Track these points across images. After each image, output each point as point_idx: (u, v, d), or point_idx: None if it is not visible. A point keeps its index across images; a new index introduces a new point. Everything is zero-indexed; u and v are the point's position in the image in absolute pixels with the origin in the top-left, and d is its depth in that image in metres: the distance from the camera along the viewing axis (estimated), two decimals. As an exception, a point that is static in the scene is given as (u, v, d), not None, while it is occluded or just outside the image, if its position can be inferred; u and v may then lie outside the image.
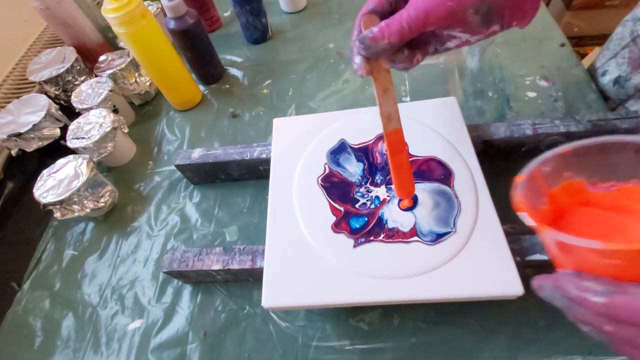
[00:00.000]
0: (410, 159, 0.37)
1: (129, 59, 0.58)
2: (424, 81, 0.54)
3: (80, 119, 0.51)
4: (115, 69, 0.57)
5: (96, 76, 0.57)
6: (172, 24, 0.53)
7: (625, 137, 0.23)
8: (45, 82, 0.58)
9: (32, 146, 0.52)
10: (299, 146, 0.41)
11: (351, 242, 0.33)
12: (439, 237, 0.32)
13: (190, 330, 0.39)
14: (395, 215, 0.34)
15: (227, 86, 0.61)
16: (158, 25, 0.50)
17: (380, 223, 0.34)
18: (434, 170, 0.36)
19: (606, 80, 0.48)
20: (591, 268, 0.20)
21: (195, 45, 0.56)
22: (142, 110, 0.61)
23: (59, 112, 0.54)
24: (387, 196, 0.35)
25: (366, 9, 0.28)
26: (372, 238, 0.33)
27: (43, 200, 0.44)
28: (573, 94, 0.47)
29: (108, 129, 0.49)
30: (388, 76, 0.29)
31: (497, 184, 0.39)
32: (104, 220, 0.49)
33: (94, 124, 0.50)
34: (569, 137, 0.39)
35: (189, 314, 0.40)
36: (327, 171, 0.38)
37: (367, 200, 0.36)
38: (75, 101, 0.54)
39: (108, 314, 0.41)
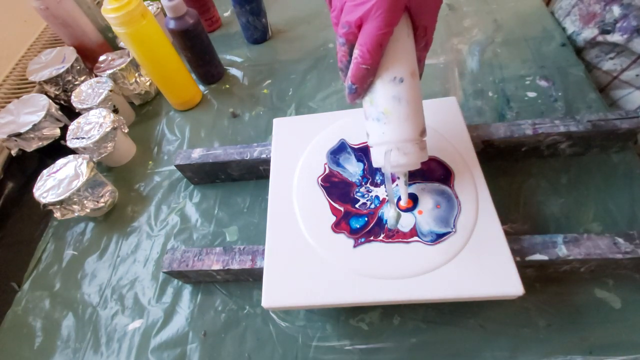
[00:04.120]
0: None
1: (129, 59, 0.58)
2: (424, 81, 0.53)
3: (80, 119, 0.51)
4: (115, 69, 0.56)
5: (96, 76, 0.57)
6: (172, 24, 0.53)
7: None
8: (45, 82, 0.58)
9: (32, 146, 0.52)
10: (299, 146, 0.41)
11: (351, 242, 0.33)
12: (439, 237, 0.32)
13: (190, 330, 0.39)
14: (395, 215, 0.34)
15: (227, 86, 0.61)
16: (158, 25, 0.50)
17: (380, 223, 0.34)
18: (434, 170, 0.36)
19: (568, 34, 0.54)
20: None
21: (195, 45, 0.56)
22: (142, 110, 0.61)
23: (59, 112, 0.54)
24: (387, 196, 0.35)
25: None
26: (372, 238, 0.33)
27: (43, 200, 0.44)
28: (573, 94, 0.47)
29: (108, 129, 0.49)
30: None
31: (497, 184, 0.39)
32: (104, 220, 0.49)
33: (94, 124, 0.50)
34: (569, 137, 0.39)
35: (189, 314, 0.40)
36: (327, 171, 0.38)
37: (367, 200, 0.36)
38: (75, 101, 0.54)
39: (108, 314, 0.41)
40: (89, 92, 0.55)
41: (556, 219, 0.38)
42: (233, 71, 0.63)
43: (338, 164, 0.39)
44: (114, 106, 0.55)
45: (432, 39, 0.30)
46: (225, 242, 0.44)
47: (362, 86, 0.28)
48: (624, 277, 0.34)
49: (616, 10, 0.45)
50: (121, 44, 0.63)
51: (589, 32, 0.49)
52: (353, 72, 0.28)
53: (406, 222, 0.33)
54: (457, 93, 0.51)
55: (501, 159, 0.42)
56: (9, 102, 0.55)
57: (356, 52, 0.27)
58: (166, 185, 0.51)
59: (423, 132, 0.30)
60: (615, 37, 0.45)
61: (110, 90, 0.54)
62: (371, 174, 0.37)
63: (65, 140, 0.50)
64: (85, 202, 0.46)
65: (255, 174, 0.47)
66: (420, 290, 0.30)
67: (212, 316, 0.39)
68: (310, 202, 0.36)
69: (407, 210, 0.34)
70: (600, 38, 0.48)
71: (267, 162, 0.43)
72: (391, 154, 0.29)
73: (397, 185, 0.36)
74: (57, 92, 0.59)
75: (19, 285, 0.46)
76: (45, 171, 0.47)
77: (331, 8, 0.29)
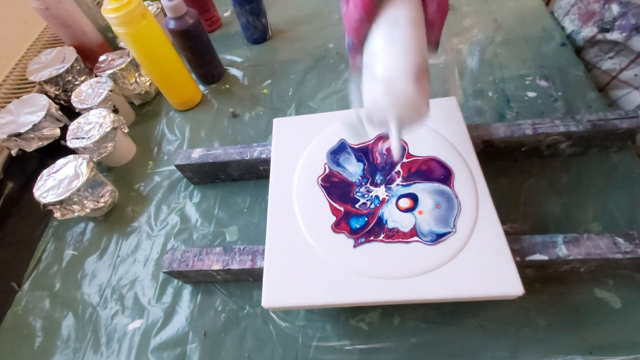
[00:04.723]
0: (410, 159, 0.37)
1: (129, 59, 0.58)
2: (424, 81, 0.54)
3: (80, 119, 0.51)
4: (115, 69, 0.56)
5: (96, 76, 0.57)
6: (172, 24, 0.53)
7: None
8: (45, 82, 0.58)
9: (32, 146, 0.52)
10: (299, 146, 0.41)
11: (351, 242, 0.33)
12: (439, 237, 0.32)
13: (190, 330, 0.39)
14: (395, 216, 0.34)
15: (227, 86, 0.61)
16: (158, 25, 0.50)
17: (380, 223, 0.34)
18: (434, 170, 0.36)
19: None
20: None
21: (195, 45, 0.56)
22: (142, 110, 0.61)
23: (59, 112, 0.54)
24: (387, 196, 0.35)
25: None
26: (372, 238, 0.33)
27: (43, 200, 0.44)
28: (573, 94, 0.47)
29: (108, 129, 0.49)
30: None
31: (497, 184, 0.39)
32: (104, 220, 0.49)
33: (94, 124, 0.50)
34: (569, 137, 0.39)
35: (189, 314, 0.40)
36: (327, 171, 0.38)
37: (367, 200, 0.36)
38: (75, 101, 0.54)
39: (108, 314, 0.41)
40: (89, 92, 0.55)
41: (556, 219, 0.38)
42: (233, 71, 0.63)
43: (338, 164, 0.39)
44: (114, 106, 0.55)
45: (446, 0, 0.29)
46: (225, 242, 0.44)
47: (358, 37, 0.27)
48: (624, 277, 0.34)
49: (615, 8, 0.45)
50: (121, 44, 0.63)
51: (588, 31, 0.49)
52: (347, 22, 0.27)
53: (406, 222, 0.33)
54: (457, 93, 0.51)
55: (501, 159, 0.42)
56: (9, 102, 0.55)
57: (350, 2, 0.26)
58: (166, 185, 0.51)
59: (421, 72, 0.27)
60: (615, 35, 0.45)
61: (110, 90, 0.54)
62: (371, 174, 0.37)
63: (65, 140, 0.50)
64: (85, 202, 0.46)
65: (255, 174, 0.47)
66: (420, 290, 0.30)
67: (212, 316, 0.39)
68: (310, 202, 0.36)
69: (407, 210, 0.34)
70: (599, 36, 0.48)
71: (267, 162, 0.43)
72: (377, 88, 0.26)
73: (397, 185, 0.36)
74: (57, 92, 0.59)
75: (19, 285, 0.46)
76: (45, 171, 0.47)
77: None
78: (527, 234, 0.33)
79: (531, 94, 0.49)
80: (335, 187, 0.37)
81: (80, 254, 0.47)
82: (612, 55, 0.47)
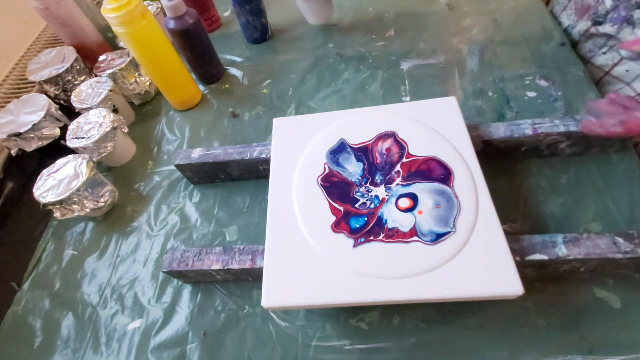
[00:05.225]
0: (410, 159, 0.37)
1: (129, 59, 0.58)
2: (424, 81, 0.54)
3: (80, 119, 0.51)
4: (115, 69, 0.56)
5: (96, 76, 0.57)
6: (172, 24, 0.53)
7: None
8: (45, 82, 0.58)
9: (32, 146, 0.52)
10: (299, 146, 0.41)
11: (351, 242, 0.33)
12: (439, 237, 0.32)
13: (190, 330, 0.39)
14: (395, 216, 0.34)
15: (227, 86, 0.61)
16: (158, 25, 0.50)
17: (380, 223, 0.34)
18: (434, 170, 0.36)
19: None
20: None
21: (195, 45, 0.56)
22: (142, 110, 0.61)
23: (59, 112, 0.54)
24: (387, 196, 0.35)
25: None
26: (372, 238, 0.33)
27: (43, 200, 0.44)
28: (573, 94, 0.47)
29: (108, 129, 0.49)
30: None
31: (497, 184, 0.39)
32: (104, 220, 0.49)
33: (94, 124, 0.50)
34: (569, 137, 0.39)
35: (189, 314, 0.40)
36: (327, 171, 0.38)
37: (367, 200, 0.36)
38: (75, 101, 0.54)
39: (108, 314, 0.41)
40: (89, 92, 0.55)
41: (556, 219, 0.38)
42: (233, 71, 0.63)
43: (338, 164, 0.39)
44: (114, 106, 0.55)
45: None
46: (225, 242, 0.44)
47: None
48: (624, 277, 0.34)
49: (608, 2, 0.46)
50: (121, 44, 0.63)
51: (583, 25, 0.51)
52: None
53: (406, 222, 0.33)
54: (457, 93, 0.51)
55: (501, 159, 0.42)
56: (9, 102, 0.55)
57: None
58: (166, 185, 0.51)
59: None
60: (607, 28, 0.46)
61: (110, 90, 0.54)
62: (371, 174, 0.37)
63: (65, 140, 0.50)
64: (85, 202, 0.46)
65: (255, 174, 0.47)
66: (420, 290, 0.30)
67: (212, 316, 0.39)
68: (310, 202, 0.36)
69: (407, 210, 0.34)
70: (593, 30, 0.49)
71: (267, 162, 0.43)
72: None
73: (397, 185, 0.36)
74: (57, 92, 0.59)
75: (19, 285, 0.46)
76: (45, 171, 0.47)
77: None
78: (527, 234, 0.33)
79: (531, 94, 0.49)
80: (335, 187, 0.37)
81: (80, 254, 0.47)
82: (605, 50, 0.48)
